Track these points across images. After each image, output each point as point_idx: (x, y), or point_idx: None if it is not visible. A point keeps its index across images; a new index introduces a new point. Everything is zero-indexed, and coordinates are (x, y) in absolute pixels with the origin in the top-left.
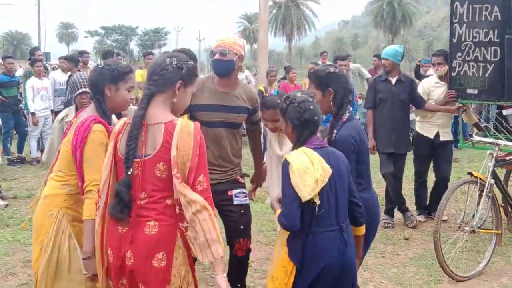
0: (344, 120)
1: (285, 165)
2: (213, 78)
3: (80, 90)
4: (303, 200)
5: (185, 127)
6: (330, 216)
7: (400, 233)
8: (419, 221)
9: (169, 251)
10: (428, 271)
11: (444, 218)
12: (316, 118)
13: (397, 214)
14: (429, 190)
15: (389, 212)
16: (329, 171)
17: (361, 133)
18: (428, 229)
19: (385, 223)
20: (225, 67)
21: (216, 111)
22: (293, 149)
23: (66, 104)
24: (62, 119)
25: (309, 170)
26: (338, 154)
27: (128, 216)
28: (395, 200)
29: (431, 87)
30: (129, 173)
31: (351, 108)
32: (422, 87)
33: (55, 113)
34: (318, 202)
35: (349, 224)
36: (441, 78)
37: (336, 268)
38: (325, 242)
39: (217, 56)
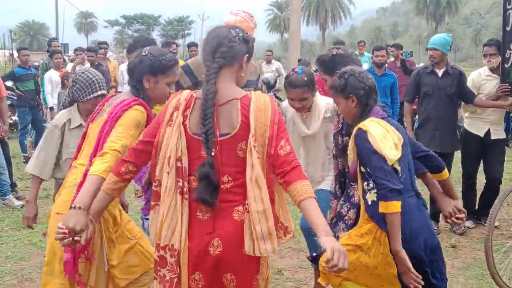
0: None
1: (361, 134)
2: None
3: (99, 92)
4: (390, 162)
5: (260, 97)
6: (407, 183)
7: (447, 240)
8: (468, 227)
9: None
10: (478, 282)
11: (496, 224)
12: (376, 86)
13: (443, 220)
14: (478, 193)
15: (435, 217)
16: (401, 138)
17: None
18: (478, 236)
19: None
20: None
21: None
22: (357, 123)
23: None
24: (64, 125)
25: (388, 135)
26: (398, 124)
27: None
28: None
29: (482, 80)
30: (212, 154)
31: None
32: (472, 80)
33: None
34: (399, 167)
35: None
36: (493, 70)
37: (425, 230)
38: (408, 208)
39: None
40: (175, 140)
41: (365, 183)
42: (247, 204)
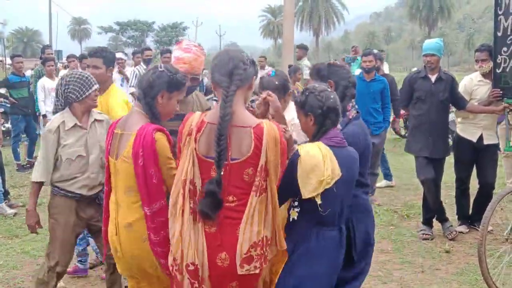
0: (350, 117)
1: (295, 156)
2: None
3: (95, 87)
4: (302, 197)
5: (272, 131)
6: (331, 216)
7: (440, 246)
8: (461, 232)
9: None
10: None
11: (489, 229)
12: (337, 107)
13: (436, 225)
14: (471, 198)
15: (428, 222)
16: (338, 174)
17: (367, 137)
18: (471, 241)
19: (423, 234)
20: (194, 90)
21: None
22: (312, 141)
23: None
24: (58, 128)
25: (317, 169)
26: (353, 157)
27: (217, 216)
28: (434, 209)
29: (474, 85)
30: (222, 173)
31: (357, 106)
32: (464, 85)
33: None
34: (319, 201)
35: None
36: (484, 75)
37: (335, 265)
38: (326, 241)
39: (188, 83)
40: (189, 164)
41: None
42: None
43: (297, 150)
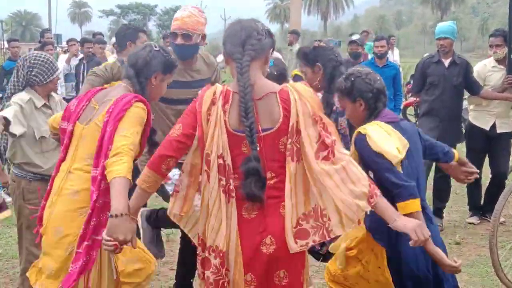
0: None
1: (360, 138)
2: None
3: (58, 71)
4: (394, 162)
5: (299, 87)
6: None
7: (451, 237)
8: (472, 223)
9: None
10: (482, 280)
11: (502, 220)
12: (385, 87)
13: (447, 216)
14: (483, 188)
15: (437, 213)
16: (406, 143)
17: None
18: (483, 232)
19: None
20: (189, 52)
21: (179, 88)
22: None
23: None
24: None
25: (387, 139)
26: (412, 128)
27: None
28: (444, 198)
29: (488, 71)
30: (258, 148)
31: None
32: (477, 71)
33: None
34: (401, 171)
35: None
36: (499, 61)
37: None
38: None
39: (179, 41)
40: (215, 136)
41: None
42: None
43: (358, 133)
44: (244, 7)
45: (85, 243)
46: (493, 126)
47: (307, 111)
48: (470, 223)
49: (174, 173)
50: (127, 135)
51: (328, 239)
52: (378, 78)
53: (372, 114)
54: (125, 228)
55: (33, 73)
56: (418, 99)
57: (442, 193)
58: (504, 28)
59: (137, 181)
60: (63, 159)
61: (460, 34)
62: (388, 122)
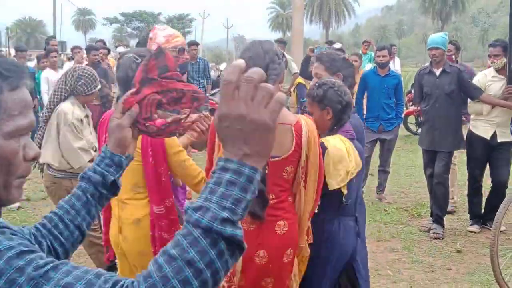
0: None
1: (322, 149)
2: None
3: (99, 86)
4: (330, 188)
5: (311, 131)
6: (351, 207)
7: (452, 245)
8: (473, 232)
9: (295, 246)
10: None
11: (502, 228)
12: (351, 102)
13: (448, 224)
14: (484, 197)
15: (438, 221)
16: (360, 164)
17: (363, 130)
18: (483, 240)
19: (434, 233)
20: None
21: None
22: (326, 135)
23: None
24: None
25: (344, 160)
26: (361, 149)
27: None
28: (443, 205)
29: (488, 81)
30: (266, 172)
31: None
32: (478, 81)
33: None
34: (345, 192)
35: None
36: (499, 71)
37: (349, 254)
38: (347, 229)
39: (185, 57)
40: None
41: None
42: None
43: (322, 143)
44: (246, 16)
45: None
46: (494, 136)
47: (315, 150)
48: (471, 232)
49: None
50: (187, 163)
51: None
52: (347, 92)
53: (336, 124)
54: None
55: (79, 83)
56: (418, 108)
57: (440, 200)
58: (504, 39)
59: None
60: None
61: (460, 44)
62: (348, 139)
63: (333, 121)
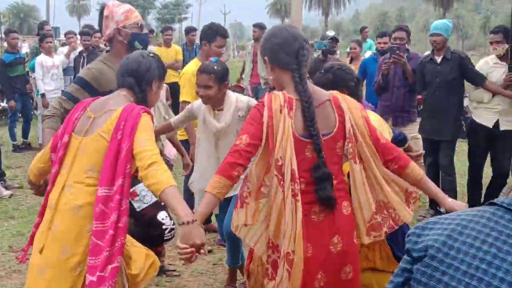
0: None
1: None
2: None
3: None
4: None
5: (348, 101)
6: None
7: None
8: None
9: (356, 227)
10: None
11: None
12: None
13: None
14: (484, 187)
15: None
16: (391, 132)
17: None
18: None
19: None
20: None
21: None
22: None
23: None
24: None
25: (383, 124)
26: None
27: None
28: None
29: (489, 68)
30: (323, 154)
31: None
32: (480, 68)
33: None
34: None
35: None
36: (501, 58)
37: None
38: None
39: (145, 30)
40: (284, 142)
41: None
42: (353, 198)
43: None
44: (244, 1)
45: (111, 266)
46: (496, 124)
47: (359, 117)
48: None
49: (141, 188)
50: (150, 144)
51: (396, 227)
52: (352, 68)
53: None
54: (199, 232)
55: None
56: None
57: (449, 192)
58: (505, 25)
59: (207, 189)
60: (57, 172)
61: (462, 31)
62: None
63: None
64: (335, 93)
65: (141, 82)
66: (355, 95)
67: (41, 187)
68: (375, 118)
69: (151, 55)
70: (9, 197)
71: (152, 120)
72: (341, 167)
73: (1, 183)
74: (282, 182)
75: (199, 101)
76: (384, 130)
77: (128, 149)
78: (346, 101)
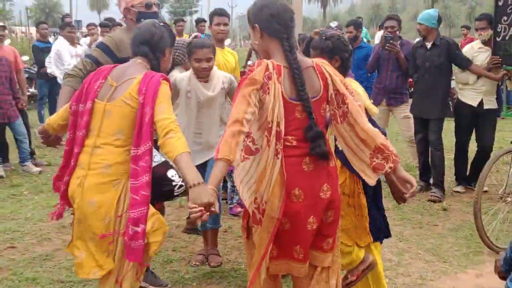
0: None
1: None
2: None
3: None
4: (372, 115)
5: (329, 66)
6: None
7: (438, 204)
8: (458, 192)
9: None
10: (467, 242)
11: (485, 189)
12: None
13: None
14: (469, 161)
15: (438, 185)
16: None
17: None
18: (468, 200)
19: (432, 195)
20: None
21: None
22: None
23: None
24: None
25: (362, 96)
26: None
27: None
28: (442, 170)
29: (474, 52)
30: (313, 115)
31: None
32: (465, 52)
33: None
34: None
35: None
36: (485, 43)
37: None
38: None
39: (155, 9)
40: (275, 107)
41: None
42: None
43: None
44: None
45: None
46: (480, 103)
47: (341, 83)
48: (456, 192)
49: (155, 153)
50: (168, 112)
51: (399, 160)
52: (348, 40)
53: (345, 71)
54: (206, 193)
55: (176, 54)
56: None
57: (438, 166)
58: (489, 13)
59: (215, 155)
60: (85, 135)
61: (449, 20)
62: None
63: (341, 69)
64: (316, 60)
65: (155, 50)
66: (345, 65)
67: (50, 137)
68: (356, 86)
69: (162, 24)
70: (38, 173)
71: (170, 87)
72: (324, 127)
73: (32, 161)
74: (268, 143)
75: (182, 74)
76: (364, 97)
77: (151, 114)
78: (328, 68)
